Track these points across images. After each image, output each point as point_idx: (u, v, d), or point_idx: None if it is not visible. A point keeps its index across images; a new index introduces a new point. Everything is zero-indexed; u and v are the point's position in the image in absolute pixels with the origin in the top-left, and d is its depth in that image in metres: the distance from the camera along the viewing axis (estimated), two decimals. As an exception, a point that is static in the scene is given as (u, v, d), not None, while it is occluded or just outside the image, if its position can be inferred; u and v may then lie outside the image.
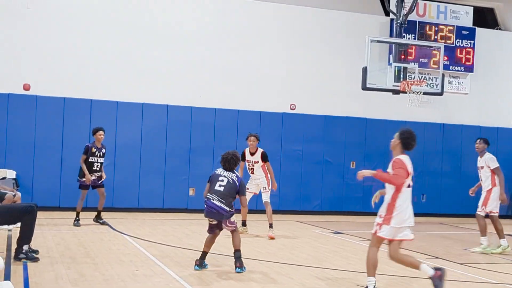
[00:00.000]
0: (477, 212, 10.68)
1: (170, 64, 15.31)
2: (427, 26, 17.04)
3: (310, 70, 16.38)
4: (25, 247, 7.83)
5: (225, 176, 7.77)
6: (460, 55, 17.39)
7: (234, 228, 7.89)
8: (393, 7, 15.65)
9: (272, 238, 11.04)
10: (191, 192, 15.17)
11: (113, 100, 14.69)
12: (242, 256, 7.85)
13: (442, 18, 17.33)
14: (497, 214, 10.57)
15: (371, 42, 13.80)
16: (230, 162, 7.84)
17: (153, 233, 11.12)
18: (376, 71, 14.30)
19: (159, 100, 15.06)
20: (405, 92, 14.17)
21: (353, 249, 10.25)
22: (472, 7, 17.77)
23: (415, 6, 15.16)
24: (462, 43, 17.41)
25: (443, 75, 14.99)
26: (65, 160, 14.23)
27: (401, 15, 14.97)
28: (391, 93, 14.77)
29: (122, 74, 14.94)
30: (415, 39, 16.67)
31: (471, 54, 17.49)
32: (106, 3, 14.97)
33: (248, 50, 15.93)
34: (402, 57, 15.09)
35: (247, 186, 10.98)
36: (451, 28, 17.26)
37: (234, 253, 7.87)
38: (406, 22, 15.13)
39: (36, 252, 8.07)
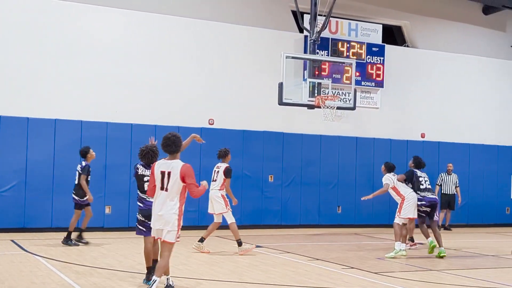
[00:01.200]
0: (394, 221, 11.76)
1: (84, 79, 14.97)
2: (340, 43, 17.59)
3: (228, 85, 16.50)
4: None
5: (148, 176, 7.98)
6: (371, 71, 18.07)
7: None
8: (306, 24, 16.06)
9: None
10: (107, 210, 14.82)
11: (23, 116, 14.17)
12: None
13: (353, 35, 17.96)
14: (413, 220, 12.02)
15: (286, 58, 14.09)
16: (147, 156, 8.06)
17: (68, 253, 10.76)
18: (292, 86, 14.61)
19: (72, 116, 14.67)
20: (320, 107, 14.53)
21: (273, 262, 10.35)
22: (381, 25, 18.54)
23: (327, 23, 15.63)
24: (372, 60, 18.09)
25: (355, 90, 15.51)
26: (-28, 179, 13.56)
27: (315, 32, 15.38)
28: (306, 107, 15.10)
29: (33, 89, 14.46)
30: (328, 55, 17.17)
31: (381, 70, 18.21)
32: (14, 16, 14.47)
33: (166, 65, 15.85)
34: (316, 73, 15.49)
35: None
36: (362, 45, 17.91)
37: (153, 261, 8.07)
38: (319, 39, 15.56)
39: None
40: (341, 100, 15.99)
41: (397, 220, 11.62)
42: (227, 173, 11.32)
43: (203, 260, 10.45)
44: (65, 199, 14.34)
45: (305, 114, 16.16)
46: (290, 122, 16.93)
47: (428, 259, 11.48)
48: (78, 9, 15.06)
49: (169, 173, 6.87)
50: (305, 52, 16.59)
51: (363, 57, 17.87)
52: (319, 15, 15.47)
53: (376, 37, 18.26)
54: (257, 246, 12.51)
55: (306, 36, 16.67)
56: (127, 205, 14.81)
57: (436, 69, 19.31)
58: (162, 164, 7.00)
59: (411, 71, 18.96)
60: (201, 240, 11.41)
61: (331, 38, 17.45)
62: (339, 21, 17.80)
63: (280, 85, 14.02)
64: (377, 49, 18.19)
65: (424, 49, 19.22)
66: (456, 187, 17.90)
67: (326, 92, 15.24)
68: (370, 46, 18.06)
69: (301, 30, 17.03)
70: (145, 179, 8.03)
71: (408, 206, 11.63)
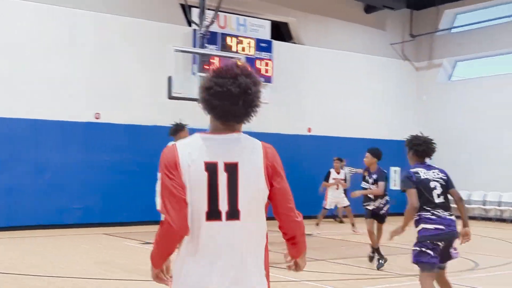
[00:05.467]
0: None
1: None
2: (228, 38, 17.67)
3: (115, 79, 16.05)
4: None
5: (435, 180, 5.87)
6: (260, 67, 18.29)
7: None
8: (195, 18, 15.97)
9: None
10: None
11: None
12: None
13: (242, 30, 18.10)
14: None
15: (175, 51, 13.92)
16: (431, 149, 6.10)
17: None
18: (181, 80, 14.46)
19: None
20: (210, 101, 14.50)
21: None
22: (269, 21, 18.83)
23: (216, 17, 15.63)
24: (261, 55, 18.33)
25: (244, 85, 15.61)
26: None
27: (203, 26, 15.33)
28: (196, 102, 15.03)
29: None
30: (217, 50, 17.18)
31: (270, 66, 18.50)
32: None
33: (48, 57, 15.12)
34: (206, 67, 15.46)
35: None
36: (250, 40, 18.10)
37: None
38: (208, 33, 15.52)
39: None
40: (231, 95, 16.04)
41: None
42: None
43: (93, 258, 10.13)
44: None
45: (196, 109, 16.06)
46: (180, 116, 16.72)
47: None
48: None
49: (232, 167, 2.76)
50: (194, 46, 16.50)
51: (252, 53, 18.06)
52: (207, 9, 15.41)
53: (265, 33, 18.53)
54: (147, 243, 12.32)
55: (195, 30, 16.59)
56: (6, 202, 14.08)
57: (322, 66, 19.93)
58: (208, 146, 2.80)
59: (298, 67, 19.44)
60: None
61: (221, 33, 17.49)
62: (228, 16, 17.87)
63: (169, 79, 13.84)
64: (266, 45, 18.46)
65: (310, 45, 19.77)
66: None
67: (216, 86, 15.23)
68: (258, 41, 18.30)
69: (189, 23, 16.92)
70: (432, 184, 5.80)
71: None
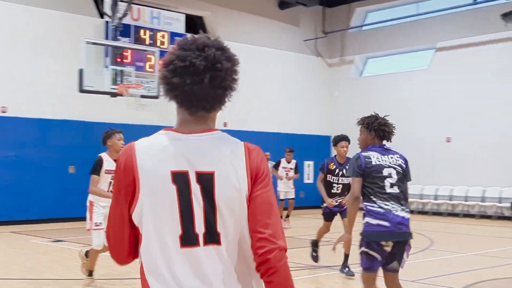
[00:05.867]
0: None
1: None
2: (142, 31, 17.36)
3: (22, 71, 15.40)
4: None
5: (391, 166, 5.09)
6: (174, 60, 18.11)
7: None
8: (107, 10, 15.59)
9: None
10: None
11: None
12: None
13: (156, 23, 17.84)
14: None
15: (86, 43, 13.56)
16: (390, 130, 5.25)
17: None
18: (93, 73, 14.10)
19: None
20: (123, 95, 14.26)
21: (74, 257, 9.94)
22: (184, 15, 18.69)
23: (129, 10, 15.33)
24: (175, 49, 18.15)
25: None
26: None
27: (116, 18, 15.00)
28: (109, 96, 14.72)
29: None
30: (130, 42, 16.84)
31: (184, 59, 18.34)
32: None
33: None
34: (119, 60, 15.14)
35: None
36: (165, 33, 17.88)
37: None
38: (121, 26, 15.21)
39: None
40: (145, 89, 15.83)
41: None
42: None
43: (1, 258, 9.72)
44: None
45: (108, 102, 15.74)
46: (92, 110, 16.36)
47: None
48: None
49: (207, 177, 2.11)
50: (106, 38, 16.10)
51: (166, 46, 17.83)
52: (120, 0, 15.11)
53: (179, 26, 18.35)
54: (58, 240, 11.98)
55: (107, 22, 16.19)
56: None
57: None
58: (175, 150, 2.18)
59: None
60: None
61: (134, 25, 17.16)
62: (142, 8, 17.55)
63: (80, 72, 13.46)
64: (180, 38, 18.26)
65: (224, 40, 19.44)
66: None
67: (130, 80, 14.98)
68: (173, 35, 18.09)
69: (101, 15, 16.50)
70: (385, 172, 5.03)
71: None
